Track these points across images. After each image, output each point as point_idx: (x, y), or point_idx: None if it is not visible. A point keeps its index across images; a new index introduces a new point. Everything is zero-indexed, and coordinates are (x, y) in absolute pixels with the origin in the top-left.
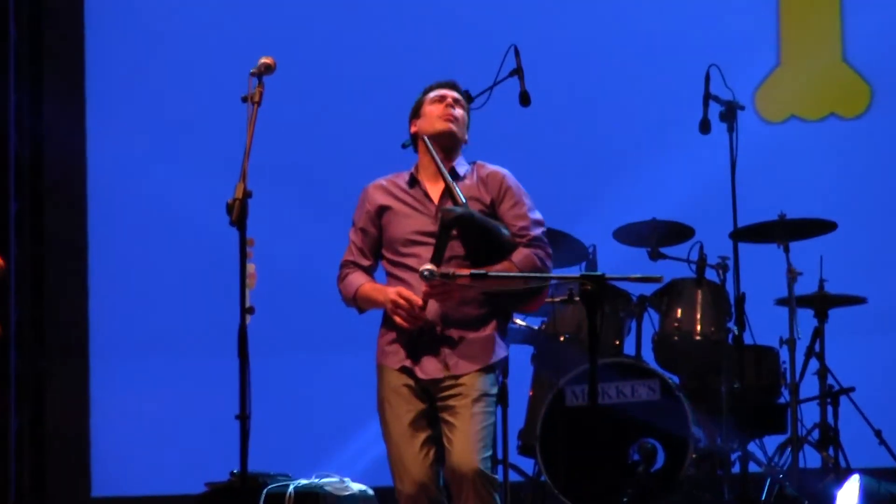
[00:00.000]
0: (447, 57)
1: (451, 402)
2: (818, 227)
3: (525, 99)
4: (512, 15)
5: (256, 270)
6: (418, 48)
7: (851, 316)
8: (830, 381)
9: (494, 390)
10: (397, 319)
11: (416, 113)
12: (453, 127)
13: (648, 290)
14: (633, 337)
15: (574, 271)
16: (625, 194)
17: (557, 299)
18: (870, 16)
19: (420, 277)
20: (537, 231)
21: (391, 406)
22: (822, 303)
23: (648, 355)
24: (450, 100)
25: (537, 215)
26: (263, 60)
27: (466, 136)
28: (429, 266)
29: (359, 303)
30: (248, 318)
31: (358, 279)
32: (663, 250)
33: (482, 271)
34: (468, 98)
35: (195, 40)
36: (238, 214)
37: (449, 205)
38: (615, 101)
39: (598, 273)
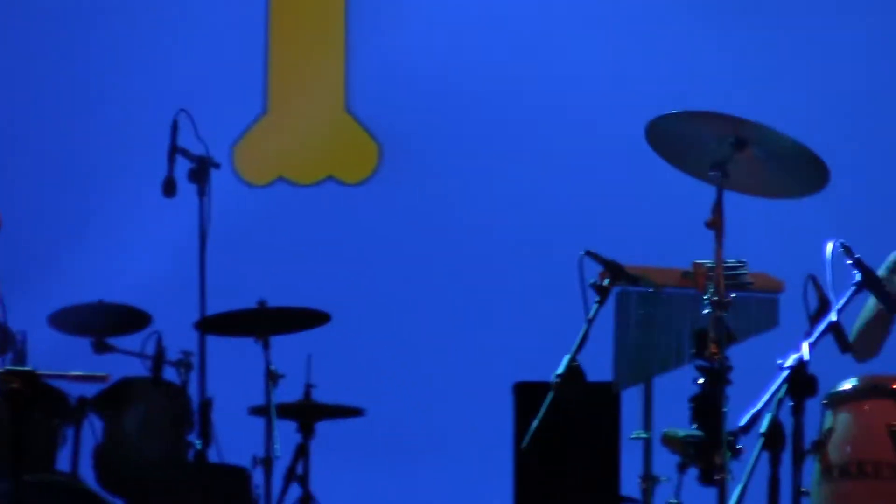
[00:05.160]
0: None
1: None
2: (307, 319)
3: None
4: None
5: None
6: None
7: (344, 431)
8: None
9: None
10: None
11: None
12: None
13: (91, 390)
14: (69, 448)
15: None
16: (66, 269)
17: None
18: (378, 54)
19: None
20: None
21: None
22: (308, 414)
23: (88, 473)
24: None
25: None
26: None
27: None
28: None
29: None
30: None
31: None
32: (111, 341)
33: None
34: None
35: None
36: None
37: None
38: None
39: (27, 368)
